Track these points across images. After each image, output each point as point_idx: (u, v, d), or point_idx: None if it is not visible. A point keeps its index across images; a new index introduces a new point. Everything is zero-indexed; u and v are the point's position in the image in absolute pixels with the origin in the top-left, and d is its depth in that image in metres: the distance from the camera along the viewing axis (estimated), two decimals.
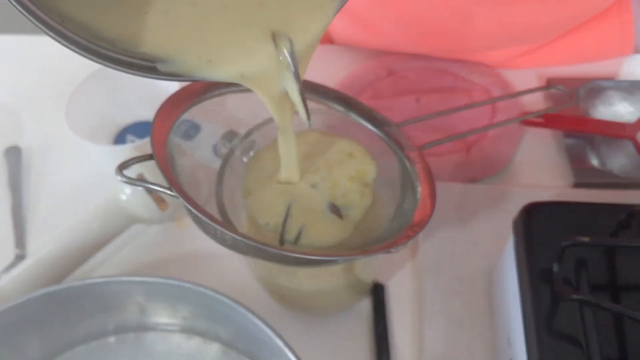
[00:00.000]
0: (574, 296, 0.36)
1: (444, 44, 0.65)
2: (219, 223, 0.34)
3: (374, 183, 0.42)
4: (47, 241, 0.50)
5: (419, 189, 0.40)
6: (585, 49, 0.68)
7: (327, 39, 0.73)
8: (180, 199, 0.33)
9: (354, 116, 0.46)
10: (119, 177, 0.34)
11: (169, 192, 0.34)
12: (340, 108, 0.46)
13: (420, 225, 0.37)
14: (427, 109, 0.62)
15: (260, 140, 0.46)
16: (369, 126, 0.45)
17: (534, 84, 0.67)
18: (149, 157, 0.36)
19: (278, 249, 0.34)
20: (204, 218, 0.33)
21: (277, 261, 0.36)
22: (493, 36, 0.64)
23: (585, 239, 0.37)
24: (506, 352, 0.43)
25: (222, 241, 0.36)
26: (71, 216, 0.52)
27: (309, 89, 0.45)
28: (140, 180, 0.36)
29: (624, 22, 0.66)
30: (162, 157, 0.36)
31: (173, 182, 0.35)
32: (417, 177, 0.41)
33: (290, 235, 0.39)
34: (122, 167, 0.35)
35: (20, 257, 0.54)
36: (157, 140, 0.37)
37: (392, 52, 0.69)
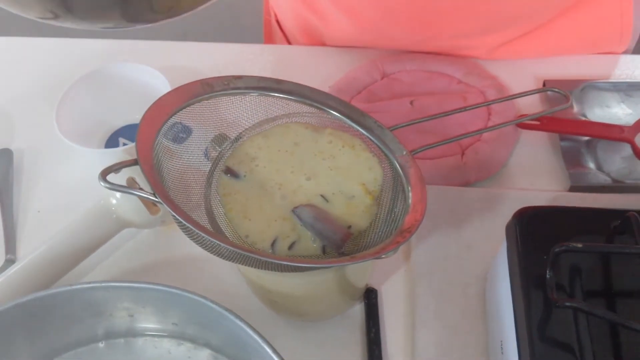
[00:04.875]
0: (567, 304, 0.35)
1: (438, 27, 0.64)
2: (202, 230, 0.33)
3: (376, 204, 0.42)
4: (37, 245, 0.50)
5: (410, 193, 0.40)
6: (583, 37, 0.67)
7: (320, 42, 0.72)
8: (164, 205, 0.33)
9: (346, 120, 0.45)
10: (102, 183, 0.34)
11: (153, 198, 0.34)
12: (333, 111, 0.45)
13: (410, 230, 0.36)
14: (421, 112, 0.62)
15: (250, 143, 0.45)
16: (361, 130, 0.45)
17: (530, 86, 0.66)
18: (134, 162, 0.35)
19: (264, 256, 0.33)
20: (188, 224, 0.33)
21: (264, 268, 0.36)
22: (488, 15, 0.62)
23: (578, 245, 0.36)
24: (499, 358, 0.42)
25: (208, 248, 0.35)
26: (62, 220, 0.51)
27: (302, 93, 0.45)
28: (123, 186, 0.35)
29: (623, 11, 0.65)
30: (148, 162, 0.36)
31: (158, 188, 0.34)
32: (408, 182, 0.41)
33: (280, 251, 0.38)
34: (105, 173, 0.34)
35: (10, 262, 0.54)
36: (142, 145, 0.36)
37: (385, 48, 0.68)
